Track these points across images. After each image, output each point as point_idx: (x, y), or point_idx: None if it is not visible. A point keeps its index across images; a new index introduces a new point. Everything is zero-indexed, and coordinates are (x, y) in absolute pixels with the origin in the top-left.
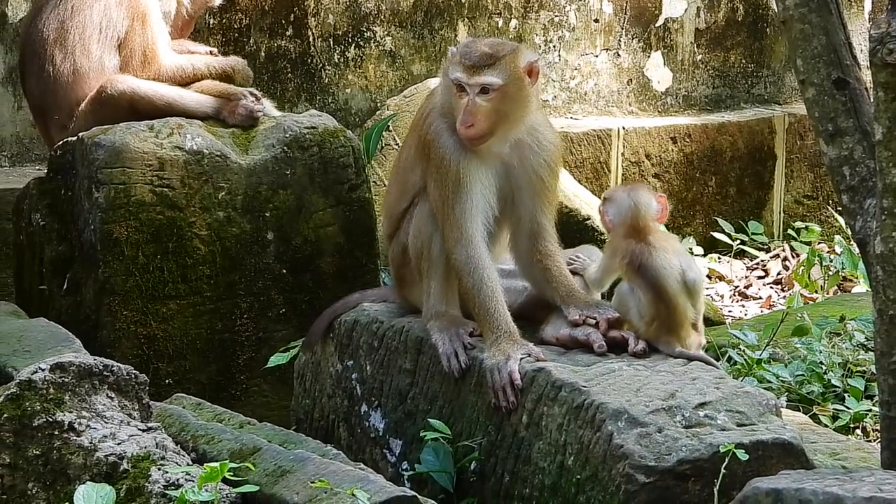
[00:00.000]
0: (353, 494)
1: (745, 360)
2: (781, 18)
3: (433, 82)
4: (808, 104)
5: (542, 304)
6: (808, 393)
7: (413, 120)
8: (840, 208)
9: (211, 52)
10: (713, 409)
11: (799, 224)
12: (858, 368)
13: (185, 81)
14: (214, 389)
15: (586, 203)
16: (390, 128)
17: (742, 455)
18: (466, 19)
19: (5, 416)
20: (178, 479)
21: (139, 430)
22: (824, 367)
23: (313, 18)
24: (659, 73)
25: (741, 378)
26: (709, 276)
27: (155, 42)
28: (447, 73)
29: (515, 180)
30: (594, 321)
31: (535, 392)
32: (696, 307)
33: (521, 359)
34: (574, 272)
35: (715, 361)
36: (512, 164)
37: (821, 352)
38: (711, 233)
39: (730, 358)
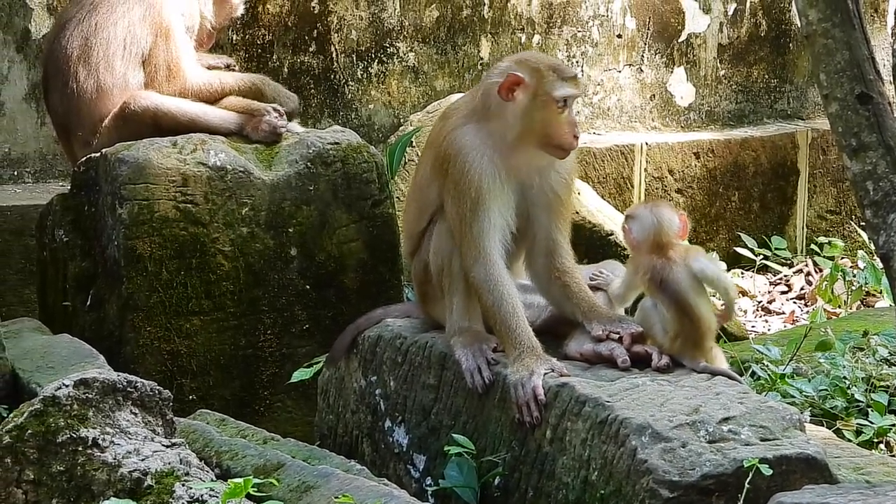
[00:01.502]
0: None
1: (768, 375)
2: (805, 33)
3: (456, 98)
4: (831, 119)
5: (565, 320)
6: (831, 408)
7: (429, 138)
8: (863, 223)
9: (229, 66)
10: (737, 423)
11: (822, 239)
12: (882, 383)
13: (211, 97)
14: (238, 405)
15: (609, 218)
16: (413, 143)
17: (766, 470)
18: (489, 35)
19: (29, 432)
20: (202, 495)
21: (163, 445)
22: (848, 382)
23: (336, 34)
24: (682, 89)
25: (765, 393)
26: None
27: (179, 57)
28: (548, 95)
29: (532, 198)
30: (617, 336)
31: (558, 407)
32: (722, 296)
33: (545, 374)
34: (597, 288)
35: (738, 376)
36: (531, 181)
37: (844, 366)
38: (734, 248)
39: (753, 373)
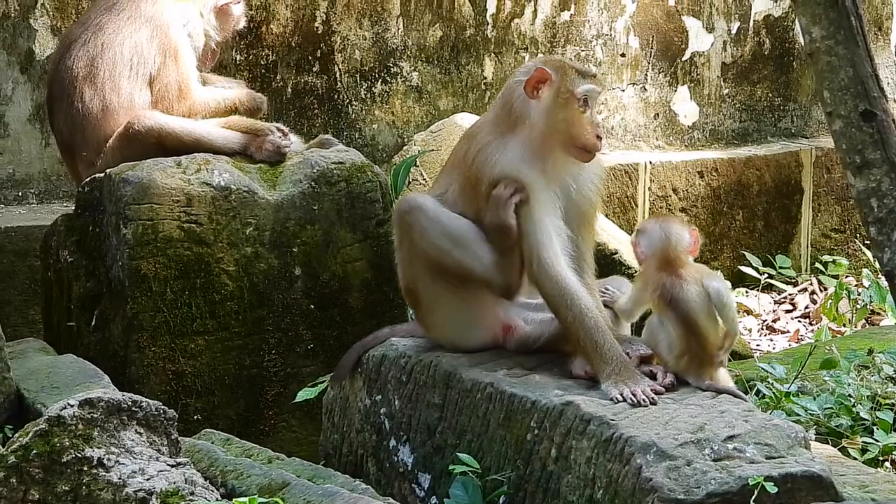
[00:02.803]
0: None
1: (773, 393)
2: (808, 50)
3: (460, 118)
4: (835, 136)
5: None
6: (836, 426)
7: (451, 162)
8: (867, 241)
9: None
10: (742, 441)
11: (826, 258)
12: (887, 401)
13: (218, 114)
14: (243, 425)
15: (614, 237)
16: (417, 163)
17: (771, 488)
18: (493, 54)
19: (34, 452)
20: None
21: (168, 465)
22: (853, 400)
23: (340, 54)
24: (686, 108)
25: (770, 411)
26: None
27: (188, 77)
28: (571, 92)
29: (568, 206)
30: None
31: (563, 425)
32: (725, 322)
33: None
34: (604, 304)
35: (743, 394)
36: (567, 188)
37: (849, 384)
38: (739, 267)
39: (758, 391)
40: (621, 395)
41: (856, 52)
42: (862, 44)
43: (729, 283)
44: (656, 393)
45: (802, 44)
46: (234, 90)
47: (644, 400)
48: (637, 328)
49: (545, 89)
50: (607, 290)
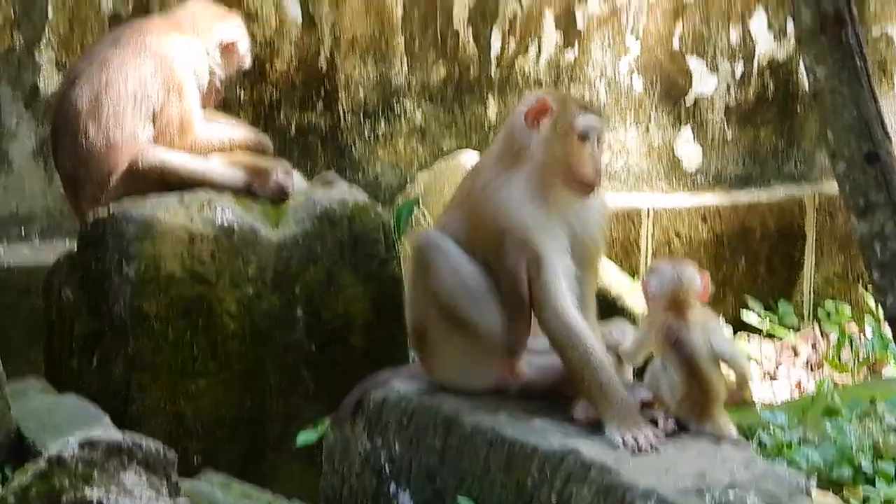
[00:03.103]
0: None
1: (775, 441)
2: (813, 91)
3: (463, 156)
4: (838, 178)
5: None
6: (838, 475)
7: (455, 200)
8: (870, 286)
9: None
10: (743, 489)
11: (829, 303)
12: (889, 451)
13: (221, 152)
14: (243, 466)
15: (617, 282)
16: (420, 205)
17: None
18: (497, 95)
19: (34, 492)
20: None
21: None
22: (854, 450)
23: (343, 93)
24: (689, 151)
25: (771, 459)
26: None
27: (191, 112)
28: (570, 124)
29: (573, 245)
30: None
31: (563, 471)
32: (736, 371)
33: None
34: (607, 347)
35: (745, 441)
36: (574, 226)
37: (851, 434)
38: (741, 314)
39: (759, 439)
40: (623, 440)
41: (860, 93)
42: (866, 84)
43: (730, 336)
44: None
45: (807, 87)
46: (239, 129)
47: (646, 447)
48: (639, 373)
49: (545, 120)
50: (609, 333)
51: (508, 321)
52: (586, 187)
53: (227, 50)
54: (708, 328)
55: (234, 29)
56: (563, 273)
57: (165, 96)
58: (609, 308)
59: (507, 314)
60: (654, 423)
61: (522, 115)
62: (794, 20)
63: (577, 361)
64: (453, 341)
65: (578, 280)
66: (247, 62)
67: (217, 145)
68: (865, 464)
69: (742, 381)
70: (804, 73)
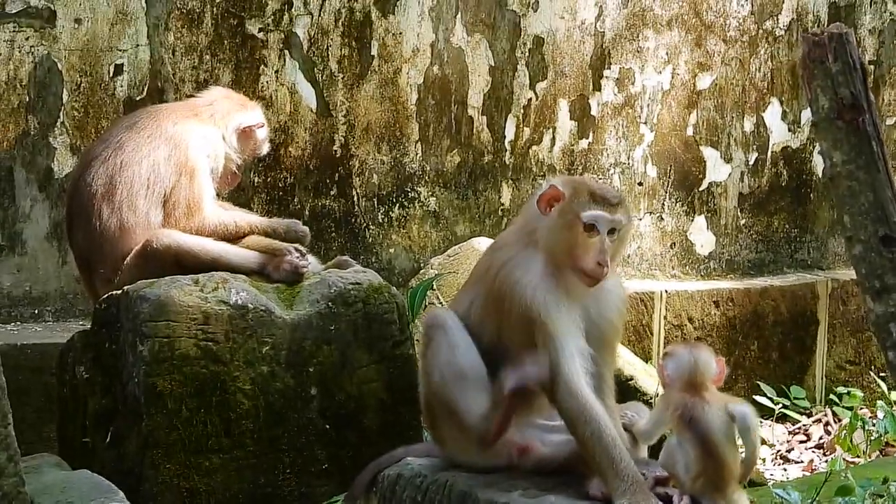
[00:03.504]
0: None
1: None
2: (829, 175)
3: (478, 242)
4: (854, 261)
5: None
6: None
7: (475, 273)
8: (883, 374)
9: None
10: None
11: (841, 389)
12: None
13: (228, 237)
14: None
15: (629, 363)
16: (434, 287)
17: None
18: (511, 181)
19: None
20: None
21: None
22: None
23: (357, 178)
24: (702, 237)
25: None
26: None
27: (200, 196)
28: (576, 214)
29: (589, 327)
30: (643, 476)
31: None
32: (747, 447)
33: None
34: (623, 427)
35: None
36: (587, 308)
37: None
38: (753, 396)
39: None
40: None
41: (876, 177)
42: (882, 169)
43: (753, 409)
44: None
45: (819, 176)
46: (250, 216)
47: None
48: (654, 452)
49: (556, 207)
50: (625, 414)
51: (488, 414)
52: (589, 278)
53: (245, 135)
54: (730, 402)
55: (253, 115)
56: (577, 352)
57: (176, 179)
58: (622, 389)
59: (488, 409)
60: (669, 500)
61: (536, 198)
62: (810, 106)
63: (588, 438)
64: (445, 421)
65: (595, 361)
66: (265, 149)
67: (223, 230)
68: None
69: (751, 456)
70: (817, 160)
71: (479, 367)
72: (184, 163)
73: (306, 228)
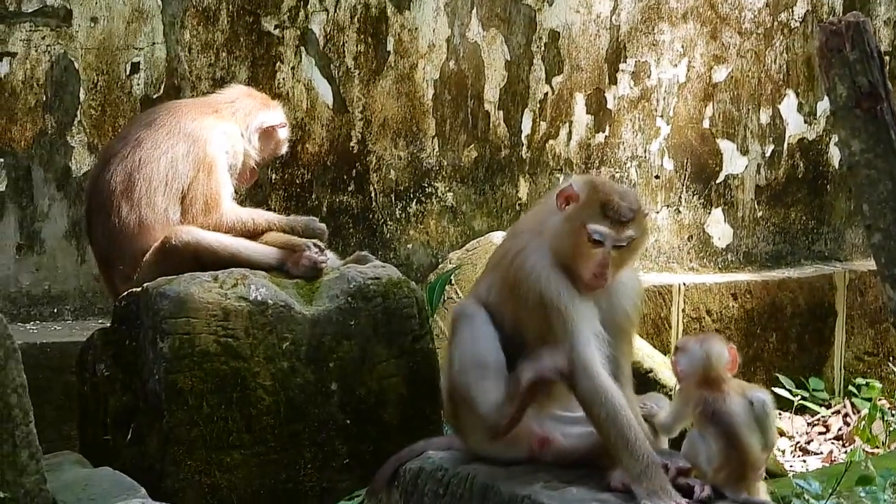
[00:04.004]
0: None
1: None
2: (847, 164)
3: (496, 236)
4: (873, 249)
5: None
6: None
7: (492, 260)
8: None
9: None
10: None
11: (860, 380)
12: None
13: (246, 234)
14: None
15: (648, 356)
16: (453, 281)
17: None
18: (528, 175)
19: None
20: None
21: None
22: None
23: (375, 174)
24: (719, 230)
25: None
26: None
27: (218, 192)
28: (583, 223)
29: (604, 317)
30: (665, 466)
31: None
32: (764, 435)
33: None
34: (643, 417)
35: None
36: (600, 302)
37: (885, 501)
38: (772, 389)
39: None
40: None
41: (895, 166)
42: None
43: (770, 397)
44: None
45: (836, 167)
46: (268, 213)
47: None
48: (675, 443)
49: (569, 207)
50: (645, 404)
51: (502, 406)
52: (585, 286)
53: (266, 134)
54: (749, 390)
55: (275, 115)
56: (593, 335)
57: (195, 175)
58: (642, 381)
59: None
60: (691, 491)
61: (556, 193)
62: (828, 95)
63: (604, 419)
64: (463, 410)
65: (612, 350)
66: (284, 148)
67: (241, 226)
68: None
69: (769, 446)
70: (834, 152)
71: (498, 358)
72: (202, 159)
73: (323, 226)
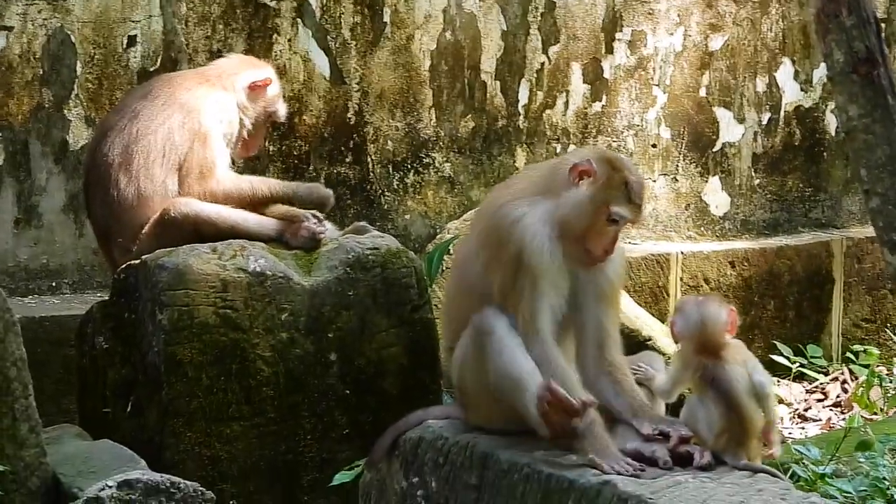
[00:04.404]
0: None
1: (808, 475)
2: (845, 129)
3: None
4: (872, 214)
5: (606, 416)
6: None
7: (479, 211)
8: None
9: None
10: None
11: (858, 347)
12: None
13: (241, 202)
14: None
15: (647, 325)
16: (451, 251)
17: None
18: (525, 145)
19: None
20: None
21: None
22: (887, 483)
23: (372, 145)
24: (717, 198)
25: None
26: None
27: (213, 161)
28: (606, 203)
29: (585, 284)
30: (666, 434)
31: None
32: (767, 413)
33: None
34: (638, 382)
35: (780, 474)
36: (590, 272)
37: (884, 467)
38: (770, 356)
39: (793, 474)
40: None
41: (892, 131)
42: None
43: (769, 376)
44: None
45: (833, 134)
46: (267, 180)
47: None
48: (674, 411)
49: (585, 184)
50: (640, 366)
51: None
52: (592, 260)
53: (254, 92)
54: (748, 364)
55: (261, 72)
56: (550, 308)
57: (190, 145)
58: (641, 349)
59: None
60: (691, 458)
61: (570, 166)
62: (825, 61)
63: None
64: (499, 408)
65: (601, 316)
66: (279, 107)
67: (238, 194)
68: None
69: (769, 424)
70: (830, 119)
71: (532, 368)
72: (197, 129)
73: (329, 192)
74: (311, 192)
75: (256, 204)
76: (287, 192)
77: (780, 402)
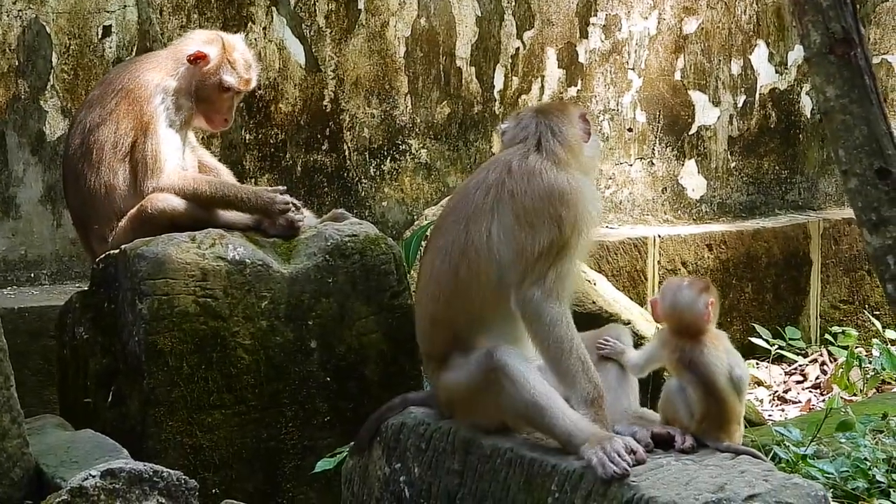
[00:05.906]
0: None
1: (790, 456)
2: (823, 110)
3: None
4: (850, 194)
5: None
6: (853, 488)
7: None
8: (879, 310)
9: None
10: (762, 500)
11: (836, 328)
12: None
13: (194, 199)
14: (261, 498)
15: (626, 309)
16: (429, 235)
17: None
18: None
19: None
20: None
21: None
22: (869, 464)
23: (349, 132)
24: (693, 181)
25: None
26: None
27: (157, 153)
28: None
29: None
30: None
31: (584, 488)
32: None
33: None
34: (607, 357)
35: (762, 455)
36: None
37: (865, 447)
38: (749, 339)
39: (774, 455)
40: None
41: (870, 111)
42: (876, 102)
43: (748, 372)
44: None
45: (808, 116)
46: (210, 181)
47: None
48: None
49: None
50: (608, 341)
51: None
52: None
53: (195, 64)
54: (728, 357)
55: (201, 43)
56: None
57: (134, 135)
58: None
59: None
60: (672, 440)
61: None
62: (802, 42)
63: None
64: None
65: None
66: (222, 76)
67: (182, 190)
68: (880, 476)
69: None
70: (805, 101)
71: (553, 389)
72: (139, 118)
73: (277, 196)
74: (257, 197)
75: (202, 205)
76: (229, 195)
77: (760, 384)
